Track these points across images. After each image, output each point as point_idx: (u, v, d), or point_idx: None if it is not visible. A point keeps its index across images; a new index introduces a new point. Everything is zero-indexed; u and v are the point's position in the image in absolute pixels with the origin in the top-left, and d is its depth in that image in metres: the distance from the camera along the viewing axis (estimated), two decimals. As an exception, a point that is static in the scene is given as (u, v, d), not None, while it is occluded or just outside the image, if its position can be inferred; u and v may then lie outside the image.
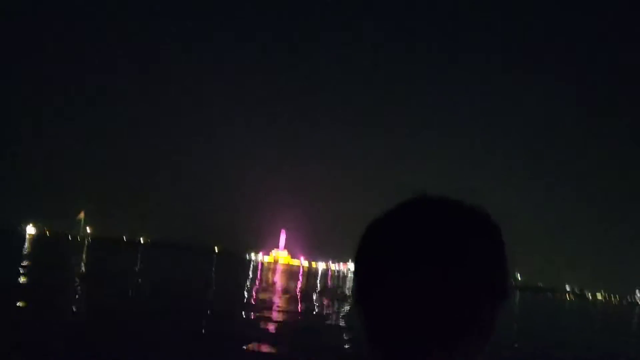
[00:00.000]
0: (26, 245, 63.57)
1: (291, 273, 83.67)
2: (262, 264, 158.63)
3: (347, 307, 22.84)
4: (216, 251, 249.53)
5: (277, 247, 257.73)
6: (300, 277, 67.16)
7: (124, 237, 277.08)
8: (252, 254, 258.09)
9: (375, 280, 0.74)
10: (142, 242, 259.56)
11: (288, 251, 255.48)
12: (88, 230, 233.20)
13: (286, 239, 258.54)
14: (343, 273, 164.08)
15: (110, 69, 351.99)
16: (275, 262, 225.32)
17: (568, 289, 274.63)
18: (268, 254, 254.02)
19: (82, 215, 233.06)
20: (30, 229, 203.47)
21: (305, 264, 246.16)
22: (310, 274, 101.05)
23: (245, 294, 26.18)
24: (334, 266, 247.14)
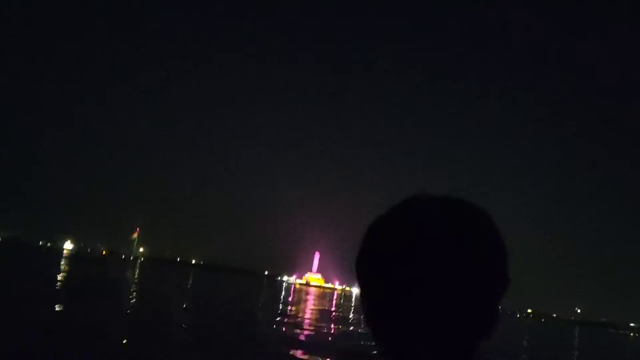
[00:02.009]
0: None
1: (323, 295, 79.15)
2: (294, 286, 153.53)
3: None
4: (264, 274, 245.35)
5: (311, 270, 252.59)
6: (334, 301, 62.07)
7: (177, 259, 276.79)
8: (285, 277, 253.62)
9: (379, 279, 0.76)
10: (193, 263, 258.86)
11: (322, 274, 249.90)
12: (141, 249, 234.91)
13: (320, 262, 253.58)
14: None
15: (163, 91, 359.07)
16: (307, 284, 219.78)
17: (632, 325, 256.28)
18: (301, 277, 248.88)
19: (136, 234, 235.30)
20: (68, 245, 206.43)
21: (340, 287, 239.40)
22: (345, 297, 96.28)
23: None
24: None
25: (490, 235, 0.78)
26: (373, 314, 0.77)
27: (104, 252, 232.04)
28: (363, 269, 0.79)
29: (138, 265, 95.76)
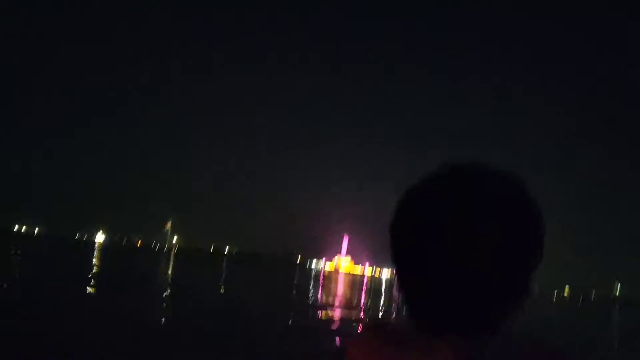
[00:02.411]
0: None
1: (353, 282, 78.45)
2: (323, 272, 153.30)
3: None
4: (297, 261, 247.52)
5: (340, 253, 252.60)
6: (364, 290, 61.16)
7: (211, 248, 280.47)
8: (314, 262, 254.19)
9: (411, 249, 0.77)
10: (226, 252, 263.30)
11: (351, 257, 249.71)
12: (174, 240, 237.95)
13: (349, 244, 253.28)
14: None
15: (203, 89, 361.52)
16: (337, 270, 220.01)
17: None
18: (330, 261, 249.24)
19: (168, 225, 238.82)
20: (100, 237, 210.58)
21: (369, 271, 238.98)
22: (374, 282, 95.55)
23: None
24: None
25: (525, 204, 0.77)
26: (404, 278, 0.78)
27: (139, 243, 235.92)
28: (399, 233, 0.79)
29: (172, 256, 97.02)
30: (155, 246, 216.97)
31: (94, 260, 47.56)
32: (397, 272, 0.79)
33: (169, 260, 73.18)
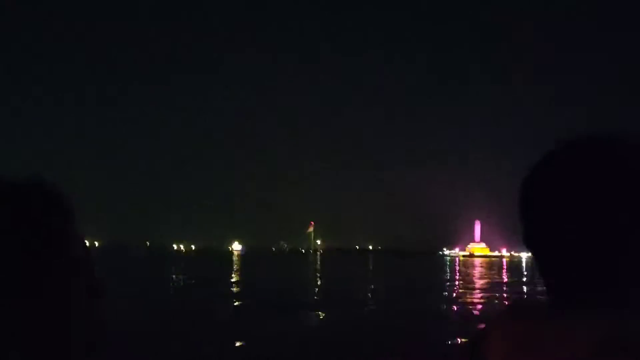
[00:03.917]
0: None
1: (491, 265, 77.40)
2: (458, 259, 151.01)
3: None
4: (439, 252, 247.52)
5: (473, 240, 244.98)
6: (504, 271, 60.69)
7: (356, 247, 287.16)
8: (446, 250, 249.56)
9: (547, 225, 0.75)
10: (370, 249, 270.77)
11: (486, 243, 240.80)
12: (319, 242, 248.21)
13: (482, 230, 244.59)
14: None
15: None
16: (471, 255, 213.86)
17: None
18: (464, 249, 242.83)
19: (311, 228, 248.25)
20: (237, 246, 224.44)
21: (507, 254, 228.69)
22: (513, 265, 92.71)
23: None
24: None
25: None
26: (542, 257, 0.77)
27: (286, 249, 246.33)
28: (531, 211, 0.78)
29: (318, 257, 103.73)
30: (300, 250, 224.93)
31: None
32: (533, 252, 0.78)
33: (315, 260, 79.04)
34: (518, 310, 0.79)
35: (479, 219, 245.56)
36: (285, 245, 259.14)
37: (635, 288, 0.71)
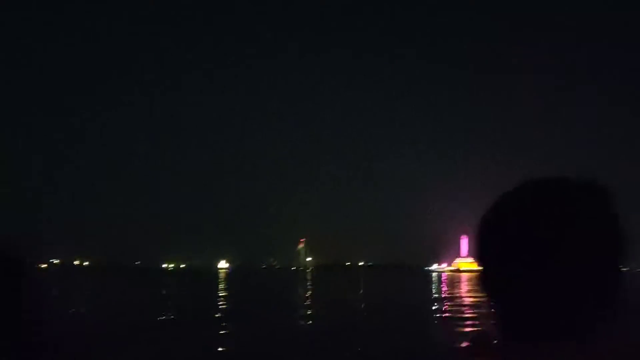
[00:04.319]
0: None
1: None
2: (444, 274, 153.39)
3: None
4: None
5: (459, 255, 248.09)
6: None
7: (347, 263, 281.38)
8: (434, 266, 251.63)
9: (500, 267, 0.77)
10: (360, 265, 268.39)
11: (473, 258, 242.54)
12: (309, 259, 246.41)
13: (469, 245, 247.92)
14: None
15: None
16: (458, 270, 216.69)
17: None
18: (450, 264, 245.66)
19: (301, 245, 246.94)
20: (223, 264, 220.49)
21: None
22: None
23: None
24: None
25: (603, 215, 0.76)
26: (491, 275, 0.79)
27: (276, 265, 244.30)
28: (485, 258, 0.80)
29: (309, 275, 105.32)
30: (291, 267, 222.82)
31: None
32: (483, 277, 0.80)
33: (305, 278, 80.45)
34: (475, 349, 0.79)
35: (465, 235, 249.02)
36: (275, 262, 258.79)
37: (583, 321, 0.74)
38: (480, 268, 0.82)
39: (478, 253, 0.82)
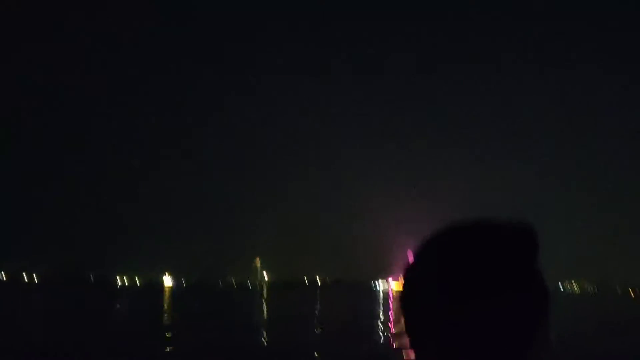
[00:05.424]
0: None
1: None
2: (392, 292, 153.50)
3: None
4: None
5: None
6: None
7: (305, 279, 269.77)
8: (380, 282, 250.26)
9: (424, 313, 0.76)
10: (319, 282, 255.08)
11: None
12: (265, 276, 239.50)
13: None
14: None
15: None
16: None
17: None
18: (397, 279, 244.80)
19: (257, 262, 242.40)
20: (168, 281, 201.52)
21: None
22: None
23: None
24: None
25: (522, 261, 0.75)
26: (415, 323, 0.78)
27: (234, 283, 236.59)
28: (409, 302, 0.79)
29: (265, 292, 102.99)
30: (247, 284, 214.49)
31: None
32: (406, 323, 0.78)
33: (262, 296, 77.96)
34: None
35: (412, 249, 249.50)
36: (232, 280, 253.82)
37: None
38: (404, 316, 0.80)
39: (402, 303, 0.81)
